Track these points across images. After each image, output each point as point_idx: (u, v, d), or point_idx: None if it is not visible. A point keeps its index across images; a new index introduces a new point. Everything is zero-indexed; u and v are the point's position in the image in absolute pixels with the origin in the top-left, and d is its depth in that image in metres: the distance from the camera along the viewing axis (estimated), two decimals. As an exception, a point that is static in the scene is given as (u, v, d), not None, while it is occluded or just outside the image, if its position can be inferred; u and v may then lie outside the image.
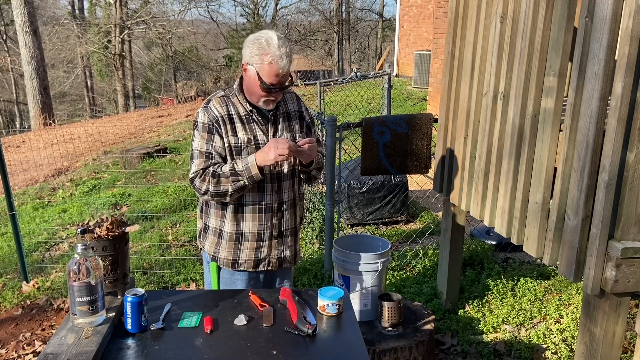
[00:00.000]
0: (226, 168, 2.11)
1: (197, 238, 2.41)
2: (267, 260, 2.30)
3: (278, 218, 2.27)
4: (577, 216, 2.07)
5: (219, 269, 2.34)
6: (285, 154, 2.01)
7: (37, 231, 5.25)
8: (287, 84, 2.10)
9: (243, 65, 2.11)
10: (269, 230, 2.26)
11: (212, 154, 2.15)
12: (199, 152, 2.16)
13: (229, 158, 2.17)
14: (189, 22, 28.35)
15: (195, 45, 28.29)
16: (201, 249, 2.39)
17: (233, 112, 2.17)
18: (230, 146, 2.15)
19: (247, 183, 2.11)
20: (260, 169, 2.10)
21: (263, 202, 2.22)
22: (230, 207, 2.22)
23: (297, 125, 2.28)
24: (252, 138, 2.17)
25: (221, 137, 2.15)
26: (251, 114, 2.18)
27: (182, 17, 27.29)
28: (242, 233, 2.25)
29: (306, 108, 2.37)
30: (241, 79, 2.21)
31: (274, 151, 2.02)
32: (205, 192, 2.14)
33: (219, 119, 2.15)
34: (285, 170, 2.24)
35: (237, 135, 2.16)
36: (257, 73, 2.05)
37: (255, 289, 2.12)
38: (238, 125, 2.16)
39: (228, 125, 2.15)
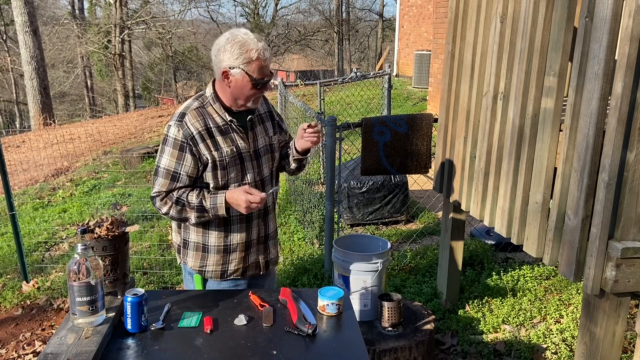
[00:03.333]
0: (193, 200, 2.01)
1: (177, 254, 2.28)
2: (254, 264, 2.26)
3: (265, 223, 2.25)
4: (577, 216, 2.07)
5: (204, 280, 2.25)
6: (255, 209, 2.00)
7: (37, 231, 5.25)
8: (272, 75, 2.07)
9: (224, 71, 1.98)
10: (257, 236, 2.22)
11: (179, 175, 2.02)
12: (165, 171, 2.02)
13: (210, 174, 2.05)
14: (189, 22, 28.35)
15: (195, 45, 28.29)
16: (182, 264, 2.26)
17: (211, 125, 2.04)
18: (215, 161, 2.03)
19: (212, 219, 2.08)
20: (227, 209, 2.03)
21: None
22: (216, 222, 2.13)
23: (270, 126, 2.24)
24: (234, 149, 2.07)
25: (194, 155, 2.01)
26: (230, 124, 2.08)
27: (182, 17, 27.31)
28: (230, 245, 2.17)
29: (272, 106, 2.33)
30: (213, 85, 2.09)
31: (245, 208, 1.96)
32: (166, 214, 2.05)
33: (196, 136, 2.00)
34: (267, 172, 2.20)
35: (219, 149, 2.04)
36: (246, 73, 1.96)
37: (255, 289, 2.12)
38: (219, 138, 2.05)
39: (208, 141, 2.03)
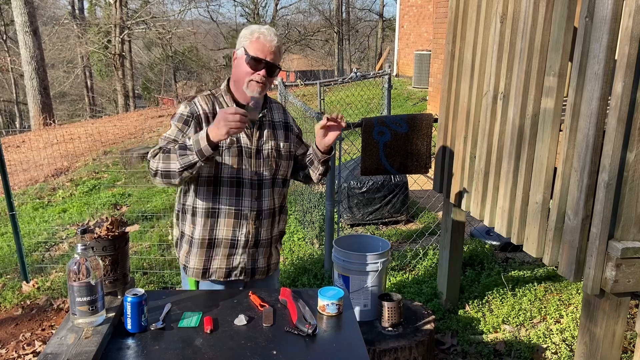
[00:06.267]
0: (176, 145, 1.95)
1: (175, 247, 2.30)
2: (239, 269, 2.19)
3: (256, 226, 2.16)
4: (577, 216, 2.07)
5: (196, 283, 2.24)
6: (238, 126, 1.82)
7: (37, 231, 5.25)
8: (273, 64, 2.04)
9: (234, 54, 2.10)
10: (245, 238, 2.15)
11: (178, 141, 2.02)
12: (165, 137, 2.04)
13: None
14: (189, 22, 28.38)
15: (195, 45, 28.32)
16: (178, 259, 2.28)
17: (219, 110, 2.02)
18: None
19: (196, 159, 1.88)
20: (213, 144, 1.86)
21: (240, 208, 2.12)
22: (203, 212, 2.12)
23: (281, 134, 2.22)
24: (234, 140, 2.08)
25: (196, 131, 2.03)
26: None
27: (182, 17, 27.32)
28: (214, 239, 2.15)
29: (293, 119, 2.33)
30: (228, 81, 2.17)
31: (224, 124, 1.81)
32: (155, 173, 1.97)
33: (202, 115, 2.07)
34: (267, 176, 2.15)
35: None
36: (245, 49, 2.04)
37: (254, 289, 2.11)
38: None
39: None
